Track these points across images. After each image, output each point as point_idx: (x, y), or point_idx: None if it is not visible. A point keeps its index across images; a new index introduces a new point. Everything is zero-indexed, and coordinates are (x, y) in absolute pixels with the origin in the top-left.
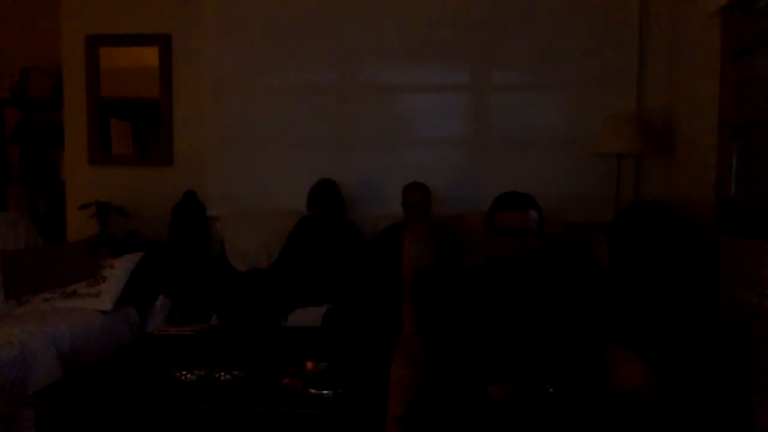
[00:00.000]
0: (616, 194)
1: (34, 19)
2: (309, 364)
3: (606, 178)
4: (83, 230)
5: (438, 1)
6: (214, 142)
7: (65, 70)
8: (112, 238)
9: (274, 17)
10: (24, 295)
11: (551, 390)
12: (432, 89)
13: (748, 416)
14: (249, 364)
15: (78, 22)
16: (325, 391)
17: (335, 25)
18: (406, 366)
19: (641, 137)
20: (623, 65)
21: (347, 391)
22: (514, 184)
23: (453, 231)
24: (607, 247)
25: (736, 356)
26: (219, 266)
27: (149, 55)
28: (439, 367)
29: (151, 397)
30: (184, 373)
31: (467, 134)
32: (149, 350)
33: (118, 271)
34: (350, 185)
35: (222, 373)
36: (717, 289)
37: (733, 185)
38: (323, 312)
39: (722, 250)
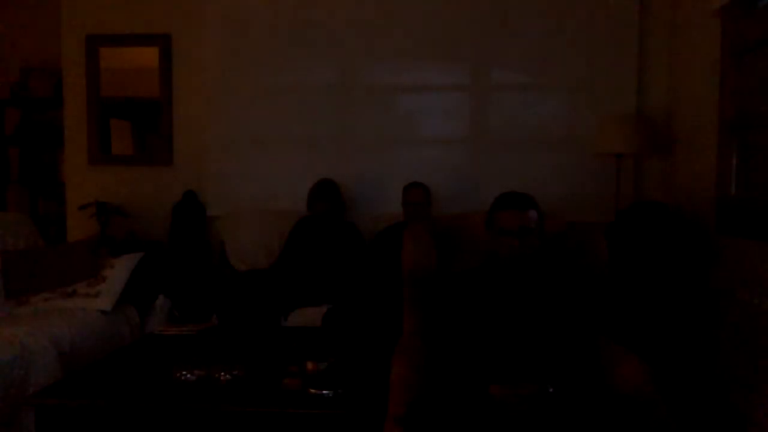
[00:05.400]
0: (615, 194)
1: (34, 19)
2: (309, 364)
3: (606, 178)
4: (83, 230)
5: (438, 2)
6: (214, 142)
7: (65, 70)
8: (112, 238)
9: (274, 17)
10: (24, 295)
11: (551, 390)
12: (432, 89)
13: (748, 416)
14: (249, 364)
15: (78, 22)
16: (325, 391)
17: (335, 25)
18: (406, 366)
19: (641, 137)
20: (623, 65)
21: (347, 391)
22: (514, 184)
23: (453, 231)
24: (606, 246)
25: (736, 356)
26: (219, 266)
27: (149, 55)
28: (439, 367)
29: (151, 397)
30: (184, 373)
31: (467, 134)
32: (149, 350)
33: (118, 271)
34: (350, 185)
35: (222, 373)
36: (717, 289)
37: (733, 185)
38: (323, 312)
39: (722, 250)
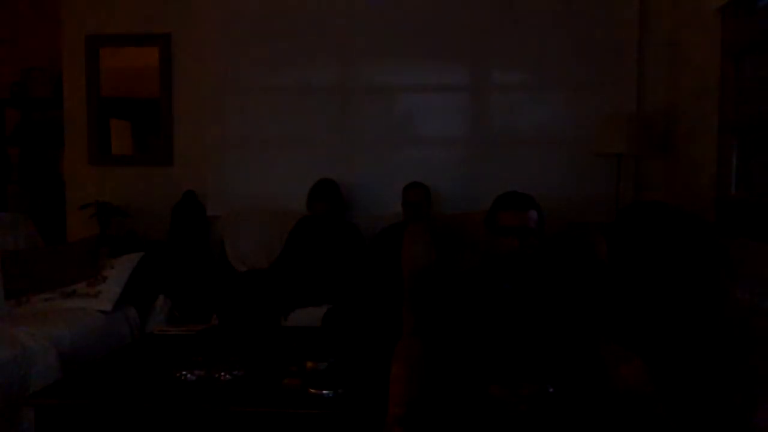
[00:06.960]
0: (616, 194)
1: (34, 19)
2: (309, 364)
3: (606, 178)
4: (83, 230)
5: (438, 2)
6: (214, 142)
7: (65, 70)
8: (112, 238)
9: (274, 17)
10: (24, 295)
11: (551, 390)
12: (432, 89)
13: (747, 416)
14: (249, 364)
15: (78, 22)
16: (325, 391)
17: (335, 25)
18: (406, 366)
19: (641, 137)
20: (623, 65)
21: (347, 391)
22: (514, 184)
23: (453, 231)
24: (606, 247)
25: (737, 356)
26: (219, 266)
27: (149, 55)
28: (438, 367)
29: (151, 397)
30: (184, 373)
31: (467, 134)
32: (149, 350)
33: (118, 271)
34: (350, 185)
35: (222, 373)
36: (717, 289)
37: (733, 185)
38: (323, 312)
39: (722, 250)
